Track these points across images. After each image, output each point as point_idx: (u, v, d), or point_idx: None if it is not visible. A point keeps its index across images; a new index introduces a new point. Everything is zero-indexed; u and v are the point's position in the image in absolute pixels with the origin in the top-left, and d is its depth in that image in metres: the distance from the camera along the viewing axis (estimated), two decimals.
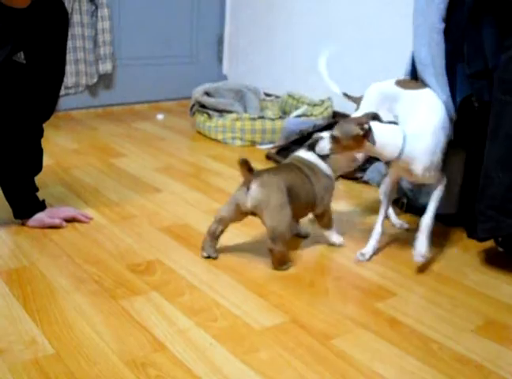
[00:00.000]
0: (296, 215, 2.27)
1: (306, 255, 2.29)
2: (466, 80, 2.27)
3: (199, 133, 3.86)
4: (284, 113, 3.90)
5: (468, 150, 2.41)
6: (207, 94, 3.85)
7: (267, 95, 4.23)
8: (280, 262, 2.16)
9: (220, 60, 4.83)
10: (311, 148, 2.26)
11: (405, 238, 2.43)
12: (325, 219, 2.32)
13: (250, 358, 1.65)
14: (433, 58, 2.29)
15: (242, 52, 4.66)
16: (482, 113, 2.25)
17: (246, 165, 2.10)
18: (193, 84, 4.05)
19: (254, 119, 3.61)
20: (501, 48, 2.16)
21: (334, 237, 2.35)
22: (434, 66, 2.28)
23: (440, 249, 2.36)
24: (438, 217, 2.48)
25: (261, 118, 3.63)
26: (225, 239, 2.34)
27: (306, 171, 2.24)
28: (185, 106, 4.22)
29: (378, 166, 2.93)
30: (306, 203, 2.23)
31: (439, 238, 2.43)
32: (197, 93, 3.85)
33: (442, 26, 2.30)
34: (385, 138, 2.05)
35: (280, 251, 2.14)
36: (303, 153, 2.30)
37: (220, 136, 3.67)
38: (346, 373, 1.62)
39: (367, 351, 1.72)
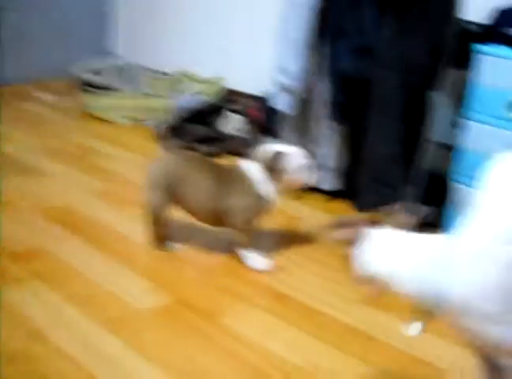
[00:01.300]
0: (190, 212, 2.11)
1: (194, 234, 2.26)
2: (348, 56, 2.29)
3: (86, 112, 3.73)
4: (175, 91, 3.83)
5: (352, 125, 2.44)
6: (93, 72, 3.74)
7: (157, 72, 4.15)
8: (155, 240, 2.11)
9: (106, 36, 4.69)
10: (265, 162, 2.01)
11: (297, 217, 2.45)
12: (242, 238, 2.07)
13: (136, 342, 1.61)
14: (288, 30, 2.33)
15: (130, 28, 4.54)
16: (364, 88, 2.28)
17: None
18: (79, 61, 3.90)
19: (141, 97, 3.53)
20: (380, 26, 2.20)
21: (253, 260, 2.06)
22: (287, 38, 2.33)
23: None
24: (325, 192, 2.53)
25: (150, 95, 3.56)
26: (107, 221, 2.29)
27: (225, 178, 2.04)
28: (71, 85, 4.07)
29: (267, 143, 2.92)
30: (202, 205, 2.04)
31: (328, 212, 2.46)
32: (82, 71, 3.73)
33: (308, 1, 2.32)
34: None
35: (152, 229, 2.10)
36: (247, 163, 2.04)
37: (107, 116, 3.56)
38: (236, 351, 1.61)
39: (256, 328, 1.71)
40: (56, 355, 1.55)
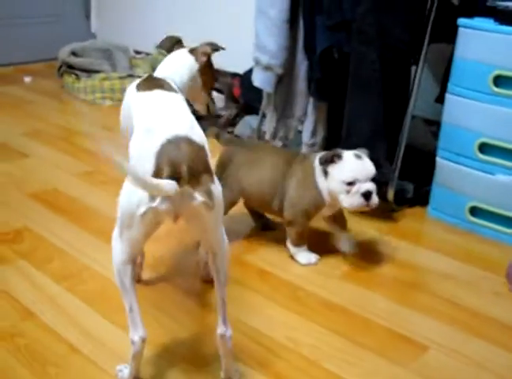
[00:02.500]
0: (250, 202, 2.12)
1: None
2: (326, 32, 2.30)
3: (68, 94, 3.74)
4: (155, 70, 3.83)
5: (331, 101, 2.46)
6: (74, 54, 3.73)
7: (137, 52, 4.15)
8: None
9: (87, 17, 4.67)
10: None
11: None
12: (291, 231, 1.98)
13: (120, 319, 1.63)
14: (265, 7, 2.33)
15: (111, 9, 4.53)
16: (342, 64, 2.30)
17: None
18: (60, 44, 3.90)
19: (123, 78, 3.54)
20: (357, 1, 2.21)
21: (299, 256, 2.00)
22: (265, 15, 2.33)
23: None
24: None
25: (130, 76, 3.57)
26: (91, 201, 2.31)
27: (289, 164, 1.96)
28: (53, 68, 4.06)
29: (247, 120, 2.94)
30: (263, 194, 1.98)
31: None
32: (64, 53, 3.73)
33: None
34: None
35: None
36: (313, 155, 1.98)
37: (89, 97, 3.57)
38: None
39: (237, 305, 1.74)
40: (43, 332, 1.59)
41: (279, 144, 2.61)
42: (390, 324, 1.70)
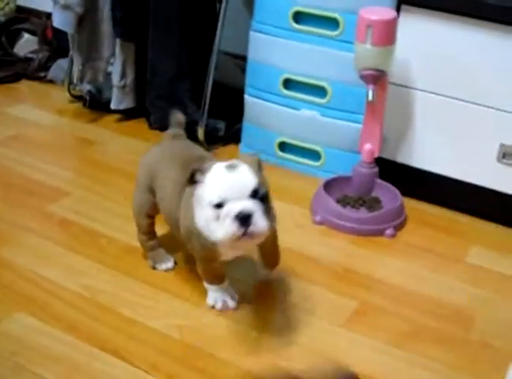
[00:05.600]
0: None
1: None
2: None
3: None
4: None
5: (138, 41, 2.39)
6: None
7: None
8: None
9: None
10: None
11: (89, 140, 2.42)
12: (197, 266, 1.54)
13: None
14: None
15: None
16: (145, 2, 2.23)
17: None
18: None
19: None
20: None
21: (209, 294, 1.58)
22: None
23: (124, 141, 2.36)
24: (120, 111, 2.49)
25: None
26: None
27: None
28: None
29: (60, 64, 2.82)
30: (169, 214, 1.54)
31: (123, 133, 2.42)
32: None
33: None
34: None
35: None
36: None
37: None
38: (10, 281, 1.61)
39: (32, 257, 1.70)
40: None
41: (87, 87, 2.52)
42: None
